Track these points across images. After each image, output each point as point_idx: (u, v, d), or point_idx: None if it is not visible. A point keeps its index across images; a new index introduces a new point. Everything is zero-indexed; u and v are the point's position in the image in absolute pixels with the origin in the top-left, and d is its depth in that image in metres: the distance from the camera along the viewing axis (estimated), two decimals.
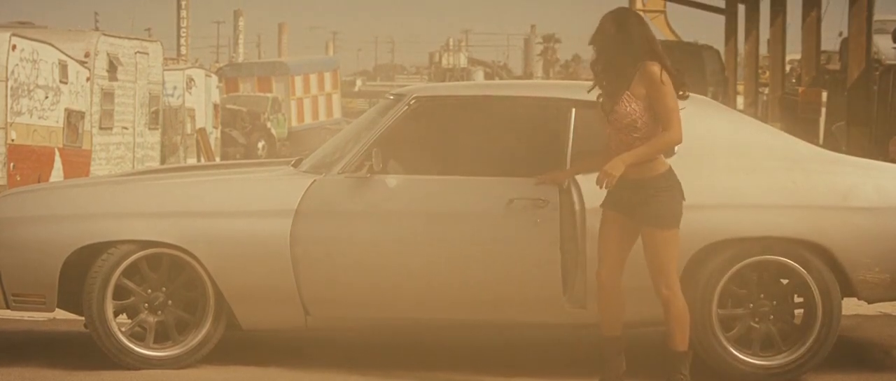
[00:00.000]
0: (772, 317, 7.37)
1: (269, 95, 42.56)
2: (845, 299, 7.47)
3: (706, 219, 7.25)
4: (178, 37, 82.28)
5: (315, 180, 7.46)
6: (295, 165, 7.85)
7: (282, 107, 42.45)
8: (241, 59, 77.94)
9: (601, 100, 6.87)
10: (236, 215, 7.41)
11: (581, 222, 7.27)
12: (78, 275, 7.47)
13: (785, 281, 7.42)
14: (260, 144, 38.33)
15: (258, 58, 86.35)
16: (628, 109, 6.71)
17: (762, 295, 7.37)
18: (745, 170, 7.43)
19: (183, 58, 64.32)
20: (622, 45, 6.73)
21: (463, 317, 7.51)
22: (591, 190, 7.00)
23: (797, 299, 7.43)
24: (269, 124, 39.94)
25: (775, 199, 7.35)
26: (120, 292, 7.47)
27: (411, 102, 7.60)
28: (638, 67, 6.71)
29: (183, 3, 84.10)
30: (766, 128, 8.04)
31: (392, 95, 8.09)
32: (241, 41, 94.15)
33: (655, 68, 6.69)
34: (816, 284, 7.30)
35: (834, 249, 7.30)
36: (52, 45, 17.08)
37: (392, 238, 7.37)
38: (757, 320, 7.36)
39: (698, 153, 7.36)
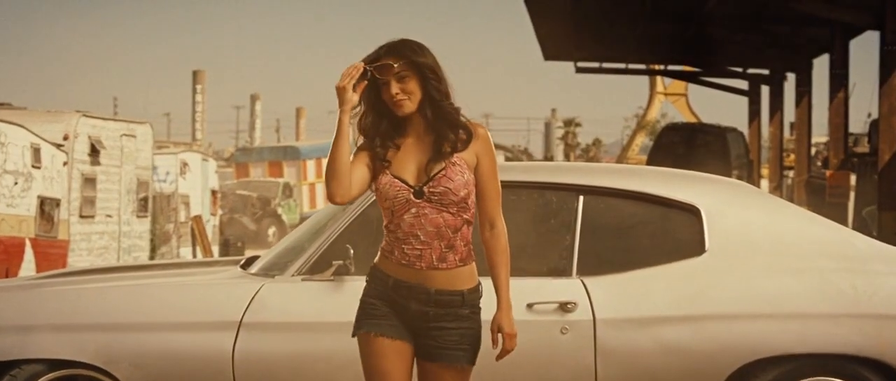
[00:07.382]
0: None
1: (280, 180, 42.30)
2: None
3: (745, 332, 6.23)
4: (193, 121, 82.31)
5: (264, 285, 6.24)
6: (243, 267, 6.62)
7: (293, 192, 41.97)
8: (256, 144, 77.88)
9: (386, 164, 4.94)
10: (168, 328, 6.32)
11: (590, 334, 6.21)
12: None
13: None
14: (270, 231, 37.89)
15: (277, 142, 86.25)
16: (465, 178, 4.92)
17: None
18: (793, 271, 6.35)
19: (197, 143, 63.89)
20: (445, 88, 4.94)
21: None
22: (604, 298, 6.19)
23: None
24: (279, 210, 39.64)
25: (830, 307, 6.29)
26: None
27: None
28: (462, 125, 4.95)
29: (198, 88, 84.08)
30: (816, 218, 6.76)
31: None
32: (257, 125, 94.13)
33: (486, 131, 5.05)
34: None
35: None
36: (23, 127, 15.95)
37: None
38: None
39: (734, 250, 6.34)
